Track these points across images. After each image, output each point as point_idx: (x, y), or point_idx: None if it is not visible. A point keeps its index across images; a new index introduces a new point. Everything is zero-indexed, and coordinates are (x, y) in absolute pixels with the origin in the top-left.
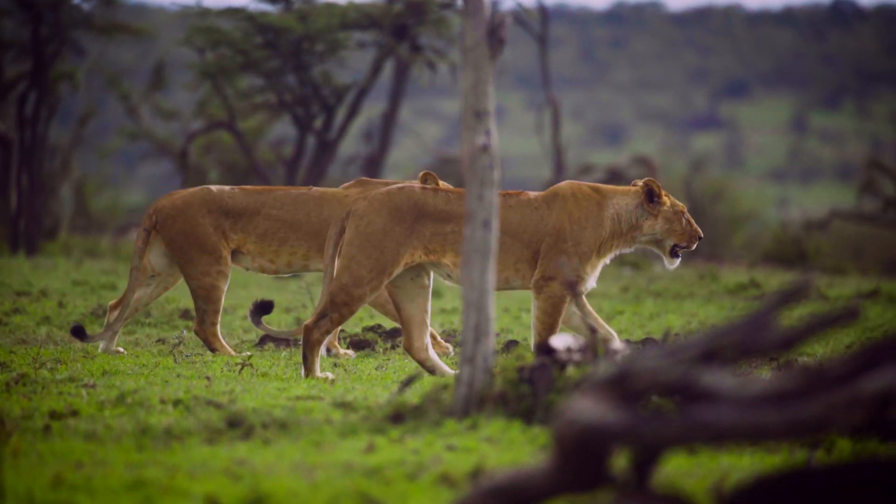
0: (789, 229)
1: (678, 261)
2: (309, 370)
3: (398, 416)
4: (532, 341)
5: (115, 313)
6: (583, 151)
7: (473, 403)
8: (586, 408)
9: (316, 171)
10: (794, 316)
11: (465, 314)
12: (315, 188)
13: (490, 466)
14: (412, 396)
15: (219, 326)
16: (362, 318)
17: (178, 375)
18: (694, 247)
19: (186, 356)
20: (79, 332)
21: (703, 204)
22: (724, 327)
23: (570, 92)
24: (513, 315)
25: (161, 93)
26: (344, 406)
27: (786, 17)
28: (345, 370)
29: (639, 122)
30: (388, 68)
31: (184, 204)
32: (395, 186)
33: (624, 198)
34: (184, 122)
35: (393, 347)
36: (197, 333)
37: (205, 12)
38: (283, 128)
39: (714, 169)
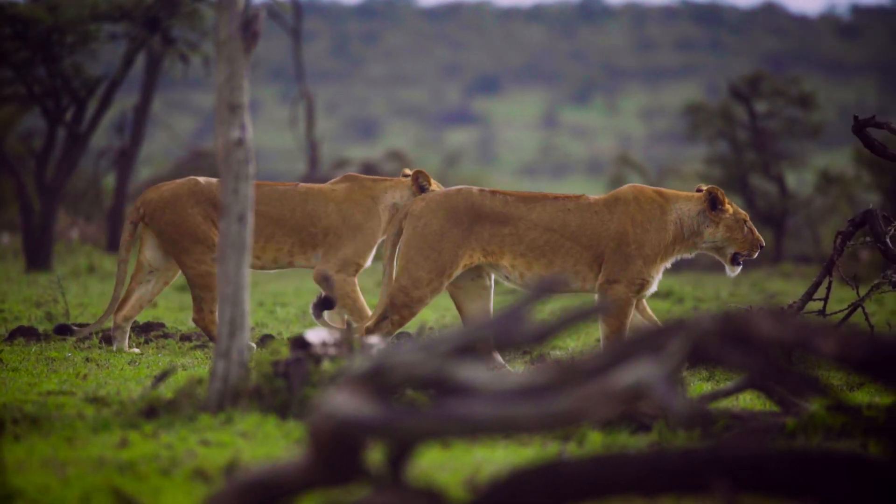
0: None
1: (739, 269)
2: None
3: (152, 411)
4: (602, 345)
5: (121, 314)
6: (337, 146)
7: (228, 398)
8: (341, 402)
9: (66, 163)
10: (547, 310)
11: (220, 309)
12: (301, 184)
13: (245, 461)
14: (166, 391)
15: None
16: None
17: None
18: (756, 255)
19: None
20: (63, 330)
21: None
22: (479, 321)
23: (324, 86)
24: (268, 309)
25: None
26: (97, 401)
27: (535, 14)
28: (97, 365)
29: (392, 117)
30: (141, 60)
31: (172, 195)
32: (452, 188)
33: (687, 203)
34: None
35: (146, 342)
36: (196, 322)
37: None
38: (33, 120)
39: (468, 164)
